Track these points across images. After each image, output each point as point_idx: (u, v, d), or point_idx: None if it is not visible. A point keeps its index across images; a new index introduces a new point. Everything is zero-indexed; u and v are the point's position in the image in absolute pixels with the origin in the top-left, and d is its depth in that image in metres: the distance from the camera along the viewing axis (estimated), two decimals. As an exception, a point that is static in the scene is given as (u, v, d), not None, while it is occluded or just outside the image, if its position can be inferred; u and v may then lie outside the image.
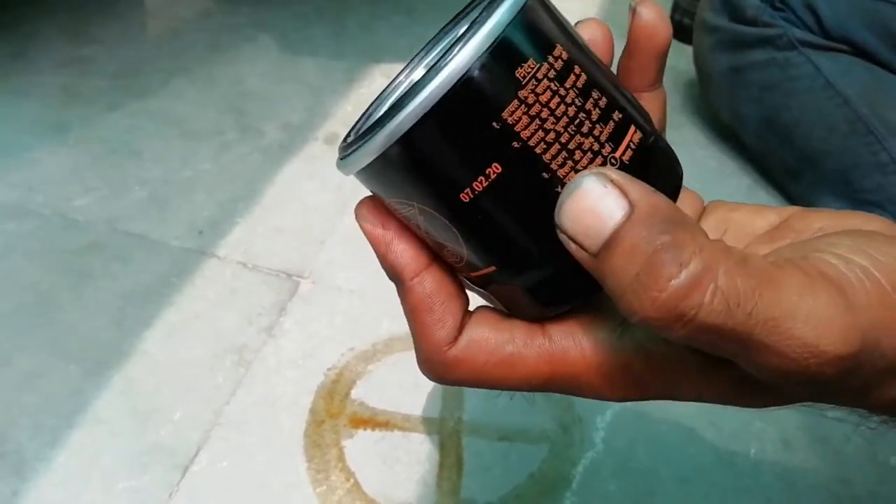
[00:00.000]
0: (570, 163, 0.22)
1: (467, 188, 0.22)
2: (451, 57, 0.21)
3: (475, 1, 0.27)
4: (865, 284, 0.21)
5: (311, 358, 0.71)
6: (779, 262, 0.21)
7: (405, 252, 0.25)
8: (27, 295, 0.76)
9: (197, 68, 1.07)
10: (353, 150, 0.23)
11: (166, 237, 0.82)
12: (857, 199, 0.77)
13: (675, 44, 1.19)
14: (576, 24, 0.28)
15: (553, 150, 0.22)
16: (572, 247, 0.21)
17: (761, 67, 0.89)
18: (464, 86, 0.21)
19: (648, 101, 0.28)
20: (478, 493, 0.62)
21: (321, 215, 0.85)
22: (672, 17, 1.16)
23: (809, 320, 0.20)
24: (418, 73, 0.27)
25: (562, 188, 0.22)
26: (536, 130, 0.22)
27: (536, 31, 0.22)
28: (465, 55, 0.21)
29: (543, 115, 0.22)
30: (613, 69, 0.28)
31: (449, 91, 0.21)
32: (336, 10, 1.19)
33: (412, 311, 0.26)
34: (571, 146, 0.22)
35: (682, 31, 1.13)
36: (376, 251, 0.26)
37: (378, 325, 0.73)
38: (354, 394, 0.68)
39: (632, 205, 0.20)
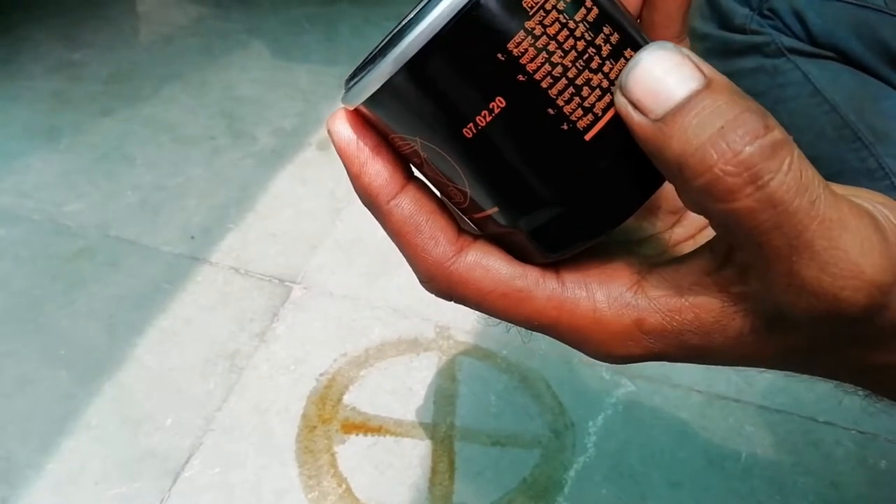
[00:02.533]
0: (577, 99, 0.21)
1: (470, 122, 0.22)
2: None
3: None
4: (893, 223, 0.21)
5: (304, 363, 0.71)
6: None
7: (380, 174, 0.24)
8: (18, 300, 0.75)
9: (189, 74, 1.07)
10: (359, 80, 0.22)
11: (158, 243, 0.82)
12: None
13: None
14: None
15: (560, 86, 0.21)
16: (632, 114, 0.21)
17: (750, 75, 0.90)
18: (469, 12, 0.20)
19: None
20: (470, 498, 0.62)
21: (313, 221, 0.85)
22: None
23: (856, 237, 0.20)
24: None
25: (568, 125, 0.21)
26: (543, 64, 0.21)
27: None
28: None
29: (551, 47, 0.21)
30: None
31: (453, 19, 0.20)
32: (328, 17, 1.19)
33: (398, 235, 0.24)
34: (579, 81, 0.21)
35: (672, 38, 1.14)
36: (348, 171, 0.24)
37: (370, 330, 0.73)
38: (347, 399, 0.68)
39: (708, 78, 0.20)
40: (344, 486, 0.62)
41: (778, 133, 0.19)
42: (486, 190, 0.23)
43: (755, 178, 0.19)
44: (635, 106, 0.20)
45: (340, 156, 0.24)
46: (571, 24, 0.21)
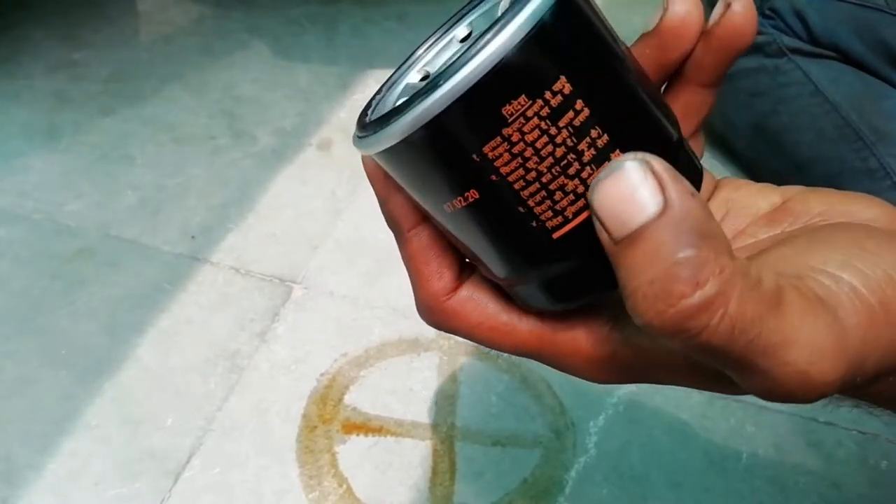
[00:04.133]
0: (548, 202, 0.22)
1: (447, 203, 0.23)
2: (437, 87, 0.20)
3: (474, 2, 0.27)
4: (855, 304, 0.21)
5: (304, 363, 0.71)
6: (782, 283, 0.21)
7: (404, 204, 0.26)
8: (17, 300, 0.75)
9: (189, 73, 1.06)
10: (363, 136, 0.23)
11: (158, 243, 0.82)
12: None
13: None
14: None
15: (531, 189, 0.22)
16: (597, 226, 0.21)
17: (751, 74, 0.90)
18: (439, 117, 0.20)
19: (700, 97, 0.29)
20: (471, 499, 0.62)
21: (314, 221, 0.85)
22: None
23: (805, 348, 0.20)
24: (405, 84, 0.27)
25: (537, 223, 0.22)
26: (516, 168, 0.21)
27: (540, 61, 0.20)
28: (445, 91, 0.20)
29: (527, 154, 0.21)
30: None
31: (431, 121, 0.21)
32: (328, 16, 1.19)
33: (410, 260, 0.27)
34: (553, 187, 0.22)
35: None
36: (378, 196, 0.26)
37: (371, 330, 0.73)
38: (347, 399, 0.68)
39: (666, 203, 0.20)
40: (345, 486, 0.62)
41: (710, 287, 0.19)
42: (467, 252, 0.25)
43: (683, 333, 0.20)
44: (599, 222, 0.21)
45: (371, 181, 0.26)
46: (553, 131, 0.21)
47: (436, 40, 0.27)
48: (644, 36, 0.27)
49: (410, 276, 0.27)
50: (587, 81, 0.21)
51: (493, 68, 0.20)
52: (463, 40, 0.26)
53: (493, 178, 0.22)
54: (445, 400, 0.68)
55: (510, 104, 0.20)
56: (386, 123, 0.21)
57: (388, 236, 0.27)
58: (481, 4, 0.27)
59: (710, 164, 0.96)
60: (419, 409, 0.67)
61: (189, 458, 0.63)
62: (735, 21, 0.26)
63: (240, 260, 0.80)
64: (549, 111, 0.21)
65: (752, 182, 0.30)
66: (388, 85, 0.26)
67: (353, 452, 0.64)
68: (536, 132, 0.21)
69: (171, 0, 1.23)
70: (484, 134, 0.21)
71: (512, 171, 0.21)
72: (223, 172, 0.91)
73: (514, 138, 0.21)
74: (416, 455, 0.64)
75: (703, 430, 0.67)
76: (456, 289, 0.27)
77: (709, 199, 0.30)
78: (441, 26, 0.27)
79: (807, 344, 0.20)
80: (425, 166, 0.22)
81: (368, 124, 0.23)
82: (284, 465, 0.63)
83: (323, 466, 0.63)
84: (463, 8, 0.27)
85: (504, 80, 0.20)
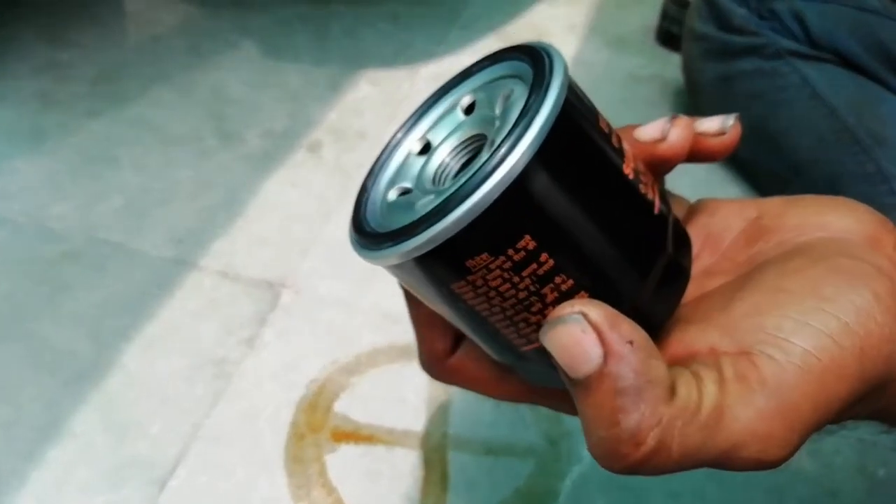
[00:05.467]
0: (513, 328, 0.24)
1: (436, 305, 0.25)
2: (413, 234, 0.22)
3: (481, 63, 0.27)
4: (804, 376, 0.23)
5: (293, 370, 0.69)
6: (726, 376, 0.23)
7: None
8: (0, 305, 0.74)
9: (177, 74, 1.05)
10: (364, 248, 0.24)
11: (145, 246, 0.81)
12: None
13: (663, 52, 1.19)
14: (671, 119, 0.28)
15: (497, 318, 0.24)
16: (556, 366, 0.23)
17: (749, 77, 0.89)
18: (418, 261, 0.22)
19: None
20: (463, 509, 0.61)
21: (304, 224, 0.84)
22: (660, 26, 1.16)
23: (753, 445, 0.22)
24: (407, 146, 0.28)
25: (505, 340, 0.25)
26: (482, 304, 0.23)
27: (506, 223, 0.21)
28: (418, 241, 0.21)
29: (491, 295, 0.23)
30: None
31: (404, 262, 0.23)
32: (320, 17, 1.18)
33: (416, 322, 0.30)
34: (517, 319, 0.24)
35: (669, 40, 1.13)
36: None
37: (361, 336, 0.72)
38: (337, 407, 0.67)
39: (606, 356, 0.21)
40: (334, 495, 0.61)
41: (650, 442, 0.22)
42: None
43: (639, 473, 0.22)
44: (556, 364, 0.23)
45: None
46: (516, 279, 0.22)
47: (423, 113, 0.28)
48: (637, 141, 0.28)
49: (416, 335, 0.30)
50: (553, 238, 0.22)
51: (461, 228, 0.21)
52: (467, 110, 0.27)
53: (463, 305, 0.24)
54: (437, 408, 0.67)
55: (473, 259, 0.22)
56: (378, 247, 0.23)
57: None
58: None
59: (708, 167, 0.96)
60: (411, 418, 0.66)
61: (175, 466, 0.62)
62: (729, 142, 0.29)
63: (228, 264, 0.79)
64: (511, 265, 0.22)
65: (728, 201, 0.31)
66: (380, 165, 0.28)
67: (342, 461, 0.63)
68: (499, 280, 0.22)
69: (160, 0, 1.22)
70: (451, 277, 0.23)
71: (478, 305, 0.24)
72: (211, 175, 0.90)
73: (478, 283, 0.23)
74: (407, 464, 0.63)
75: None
76: (456, 349, 0.30)
77: (685, 220, 0.31)
78: (428, 99, 0.29)
79: (753, 440, 0.22)
80: (414, 283, 0.24)
81: (366, 235, 0.24)
82: (272, 474, 0.62)
83: (312, 475, 0.62)
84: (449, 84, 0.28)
85: (468, 238, 0.21)
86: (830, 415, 0.23)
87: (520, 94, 0.24)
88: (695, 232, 0.30)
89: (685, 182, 0.36)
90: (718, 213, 0.31)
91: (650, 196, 0.25)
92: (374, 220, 0.25)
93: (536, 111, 0.21)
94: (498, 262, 0.22)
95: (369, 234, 0.24)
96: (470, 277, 0.22)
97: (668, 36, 1.14)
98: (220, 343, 0.71)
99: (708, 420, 0.22)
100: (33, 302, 0.74)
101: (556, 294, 0.23)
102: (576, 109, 0.23)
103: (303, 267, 0.79)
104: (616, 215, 0.24)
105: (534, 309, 0.23)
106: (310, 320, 0.74)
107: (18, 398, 0.66)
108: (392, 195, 0.26)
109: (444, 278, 0.23)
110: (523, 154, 0.21)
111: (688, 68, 0.99)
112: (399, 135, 0.28)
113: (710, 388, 0.23)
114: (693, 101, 1.00)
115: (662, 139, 0.28)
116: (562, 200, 0.22)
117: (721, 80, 0.92)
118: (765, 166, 0.89)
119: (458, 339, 0.29)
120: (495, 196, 0.21)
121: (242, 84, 1.04)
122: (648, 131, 0.28)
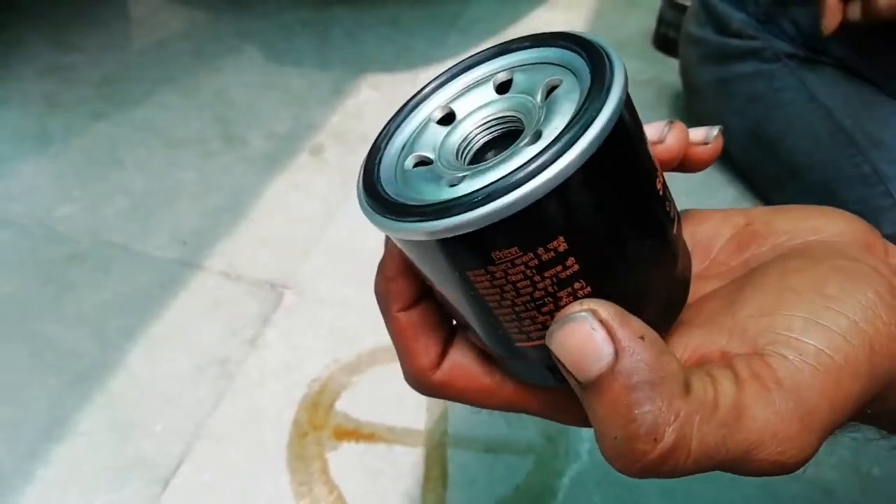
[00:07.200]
0: (516, 324, 0.23)
1: (440, 285, 0.24)
2: (447, 214, 0.21)
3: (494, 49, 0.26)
4: (819, 374, 0.22)
5: (295, 370, 0.70)
6: (742, 376, 0.22)
7: (408, 286, 0.27)
8: (6, 306, 0.75)
9: (181, 78, 1.06)
10: (383, 217, 0.23)
11: (149, 248, 0.81)
12: (841, 211, 0.77)
13: (661, 56, 1.19)
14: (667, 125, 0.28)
15: (503, 311, 0.23)
16: (562, 369, 0.22)
17: (747, 80, 0.90)
18: (443, 241, 0.21)
19: None
20: (463, 506, 0.61)
21: (306, 226, 0.85)
22: (657, 30, 1.17)
23: (771, 445, 0.22)
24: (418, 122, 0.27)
25: (503, 331, 0.24)
26: (493, 295, 0.22)
27: (544, 223, 0.21)
28: (450, 222, 0.20)
29: (506, 288, 0.22)
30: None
31: (427, 241, 0.22)
32: (321, 21, 1.19)
33: (398, 336, 0.28)
34: (524, 316, 0.23)
35: (667, 44, 1.14)
36: (385, 273, 0.28)
37: (363, 336, 0.73)
38: (339, 406, 0.67)
39: (617, 353, 0.21)
40: (335, 493, 0.61)
41: (668, 438, 0.21)
42: (463, 322, 0.26)
43: (657, 475, 0.22)
44: (562, 368, 0.22)
45: (385, 258, 0.28)
46: (537, 278, 0.22)
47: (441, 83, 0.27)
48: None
49: (398, 350, 0.28)
50: (585, 244, 0.21)
51: (499, 220, 0.20)
52: (500, 87, 0.26)
53: (472, 293, 0.23)
54: (437, 406, 0.67)
55: (501, 251, 0.21)
56: (400, 219, 0.22)
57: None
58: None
59: (706, 170, 0.96)
60: (411, 416, 0.67)
61: (179, 464, 0.63)
62: (714, 152, 0.29)
63: (231, 265, 0.80)
64: (537, 263, 0.21)
65: (714, 210, 0.31)
66: (398, 123, 0.26)
67: (344, 459, 0.64)
68: (520, 276, 0.22)
69: (164, 4, 1.23)
70: (472, 264, 0.22)
71: (488, 295, 0.23)
72: (214, 177, 0.91)
73: (497, 275, 0.22)
74: (407, 462, 0.64)
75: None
76: (441, 362, 0.28)
77: None
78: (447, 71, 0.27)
79: (773, 440, 0.22)
80: (425, 260, 0.23)
81: (384, 203, 0.23)
82: (275, 472, 0.63)
83: (314, 473, 0.63)
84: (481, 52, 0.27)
85: (503, 230, 0.20)
86: (846, 415, 0.23)
87: (569, 89, 0.23)
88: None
89: (682, 185, 0.37)
90: (706, 222, 0.31)
91: (672, 213, 0.25)
92: (391, 186, 0.24)
93: (595, 115, 0.20)
94: (525, 259, 0.21)
95: (388, 203, 0.23)
96: (491, 268, 0.22)
97: (666, 40, 1.15)
98: (223, 343, 0.72)
99: (727, 418, 0.21)
100: (38, 302, 0.75)
101: (571, 299, 0.22)
102: (630, 119, 0.22)
103: (305, 268, 0.80)
104: (647, 230, 0.23)
105: (545, 309, 0.22)
106: (312, 320, 0.75)
107: (23, 398, 0.67)
108: (409, 162, 0.25)
109: (464, 264, 0.22)
110: (577, 157, 0.20)
111: (685, 72, 0.99)
112: (418, 98, 0.27)
113: (726, 386, 0.22)
114: (690, 104, 1.00)
115: (660, 142, 0.27)
116: (602, 209, 0.21)
117: (718, 83, 0.92)
118: (762, 168, 0.90)
119: (443, 352, 0.28)
120: (540, 195, 0.20)
121: (246, 87, 1.05)
122: (648, 133, 0.28)
